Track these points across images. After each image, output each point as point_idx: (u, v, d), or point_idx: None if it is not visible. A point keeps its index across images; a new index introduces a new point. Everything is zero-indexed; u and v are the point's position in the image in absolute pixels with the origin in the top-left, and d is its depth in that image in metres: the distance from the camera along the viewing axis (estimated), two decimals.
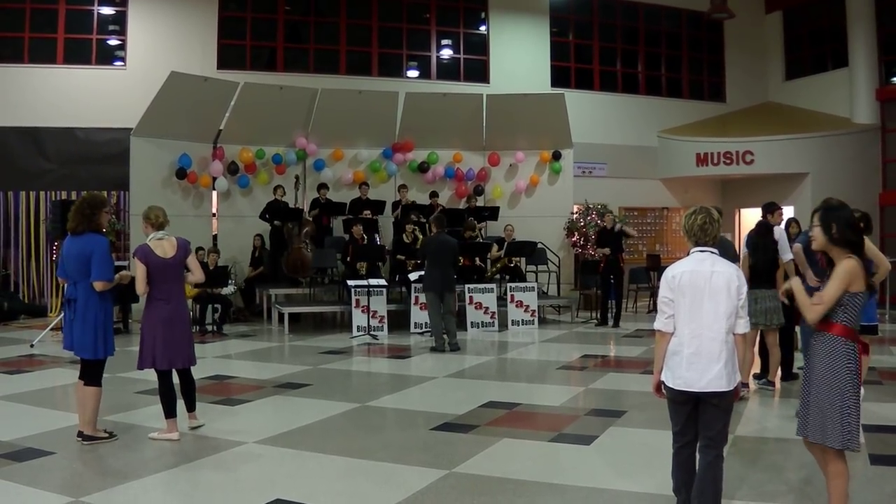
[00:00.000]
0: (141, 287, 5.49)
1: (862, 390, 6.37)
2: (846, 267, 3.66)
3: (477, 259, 13.02)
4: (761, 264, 7.15)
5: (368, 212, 13.21)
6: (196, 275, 5.77)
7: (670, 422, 3.90)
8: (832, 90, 17.27)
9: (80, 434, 5.48)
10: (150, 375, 5.69)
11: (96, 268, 5.36)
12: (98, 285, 5.36)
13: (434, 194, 14.10)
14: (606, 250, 12.54)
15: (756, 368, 7.52)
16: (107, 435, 5.56)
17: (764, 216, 7.47)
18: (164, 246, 5.57)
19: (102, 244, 5.45)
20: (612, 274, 12.56)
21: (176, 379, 5.71)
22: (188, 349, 5.70)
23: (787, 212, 9.48)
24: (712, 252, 3.81)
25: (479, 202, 14.65)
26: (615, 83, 18.19)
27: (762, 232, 7.32)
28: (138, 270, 5.47)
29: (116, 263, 6.27)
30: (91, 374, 5.49)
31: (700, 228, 3.80)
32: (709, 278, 3.72)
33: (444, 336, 10.11)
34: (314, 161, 14.24)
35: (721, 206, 16.79)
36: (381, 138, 14.48)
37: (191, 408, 5.86)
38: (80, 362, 5.54)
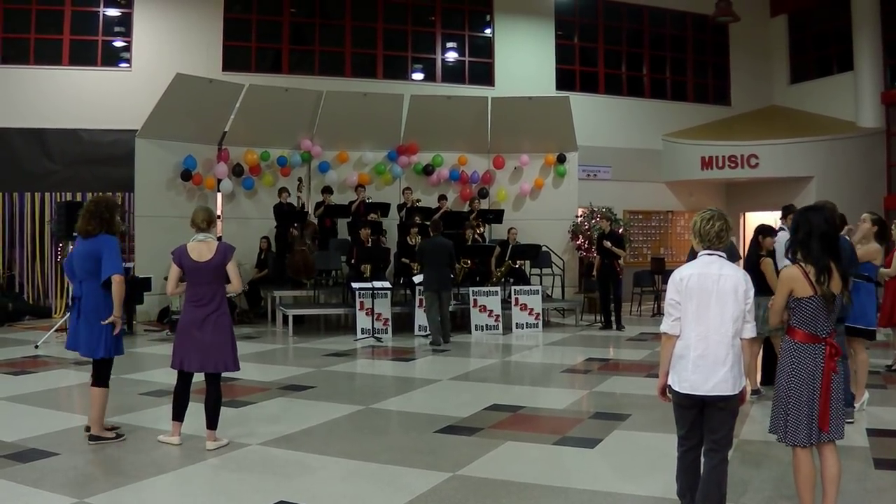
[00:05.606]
0: (170, 288, 5.48)
1: (866, 394, 6.42)
2: (782, 274, 3.96)
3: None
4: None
5: (374, 214, 13.19)
6: (234, 284, 5.50)
7: (676, 425, 3.90)
8: (837, 94, 17.24)
9: (88, 429, 5.49)
10: (154, 377, 5.71)
11: (111, 262, 5.35)
12: (116, 278, 5.33)
13: (443, 197, 14.08)
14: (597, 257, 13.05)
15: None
16: (114, 435, 5.56)
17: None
18: (200, 249, 5.41)
19: (112, 241, 5.49)
20: (607, 279, 12.60)
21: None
22: (219, 354, 5.40)
23: None
24: (720, 255, 3.81)
25: (484, 205, 14.66)
26: (620, 86, 18.19)
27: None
28: (171, 271, 5.47)
29: (126, 266, 6.24)
30: (98, 374, 5.50)
31: (716, 235, 3.80)
32: (716, 281, 3.72)
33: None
34: (319, 163, 14.26)
35: (726, 209, 16.82)
36: (386, 141, 14.49)
37: (210, 424, 5.42)
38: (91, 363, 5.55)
